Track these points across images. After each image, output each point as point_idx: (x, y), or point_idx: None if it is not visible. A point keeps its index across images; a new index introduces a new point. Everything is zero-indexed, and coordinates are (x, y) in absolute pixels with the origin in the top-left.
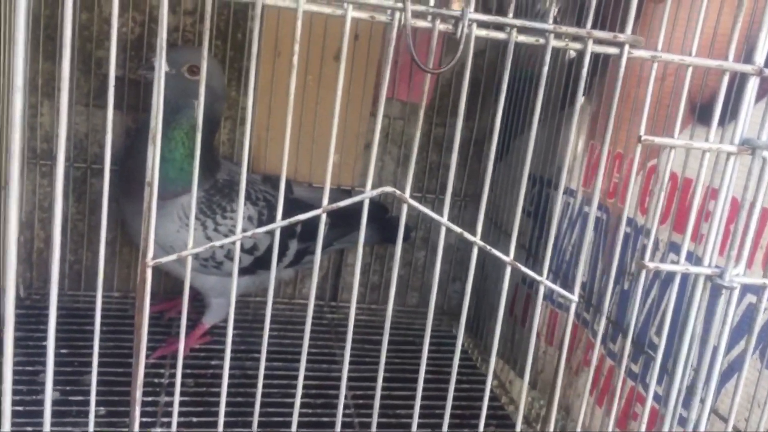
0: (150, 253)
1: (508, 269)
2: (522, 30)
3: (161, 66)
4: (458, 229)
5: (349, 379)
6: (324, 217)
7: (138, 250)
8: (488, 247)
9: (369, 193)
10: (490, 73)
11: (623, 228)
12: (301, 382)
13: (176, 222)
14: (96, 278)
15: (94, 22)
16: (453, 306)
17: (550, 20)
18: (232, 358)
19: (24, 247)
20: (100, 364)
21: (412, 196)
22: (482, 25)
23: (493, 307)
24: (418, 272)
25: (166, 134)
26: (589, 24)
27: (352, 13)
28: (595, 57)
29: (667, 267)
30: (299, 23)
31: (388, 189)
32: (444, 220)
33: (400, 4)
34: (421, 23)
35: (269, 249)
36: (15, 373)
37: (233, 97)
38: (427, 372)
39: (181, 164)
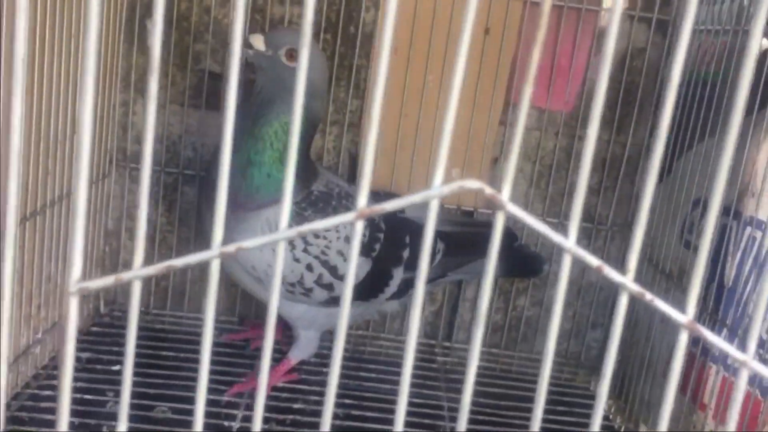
0: (75, 274)
1: (683, 334)
2: None
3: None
4: (594, 261)
5: None
6: (359, 225)
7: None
8: (648, 295)
9: (437, 189)
10: (650, 77)
11: None
12: None
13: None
14: (184, 297)
15: (194, 13)
16: (592, 357)
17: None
18: (318, 403)
19: (109, 259)
20: (169, 398)
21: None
22: None
23: (644, 363)
24: (550, 314)
25: (252, 132)
26: None
27: None
28: None
29: None
30: None
31: (472, 184)
32: (570, 243)
33: None
34: None
35: (371, 276)
36: (77, 401)
37: (341, 98)
38: None
39: (269, 169)
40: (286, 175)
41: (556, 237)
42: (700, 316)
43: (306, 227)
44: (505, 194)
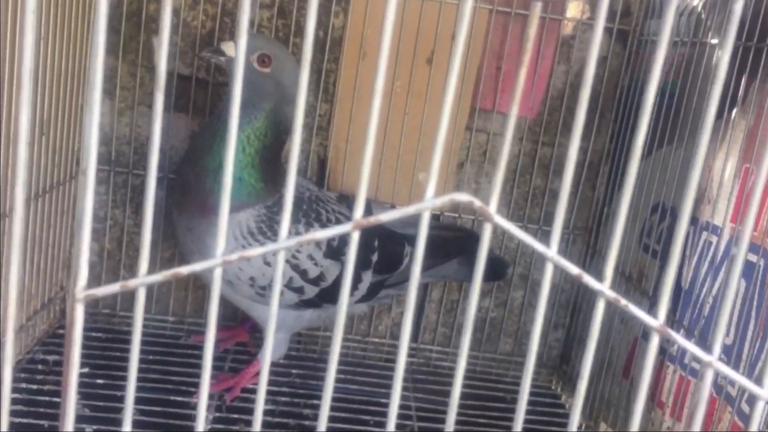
0: (81, 281)
1: (655, 337)
2: None
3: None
4: (574, 269)
5: None
6: (356, 236)
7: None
8: (623, 301)
9: (430, 201)
10: (611, 85)
11: None
12: None
13: (231, 242)
14: (151, 300)
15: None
16: (553, 357)
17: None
18: (288, 404)
19: (74, 260)
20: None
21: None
22: None
23: (603, 363)
24: (514, 314)
25: (224, 137)
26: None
27: None
28: (755, 56)
29: None
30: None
31: (462, 196)
32: (552, 252)
33: None
34: None
35: (339, 280)
36: (46, 404)
37: (310, 102)
38: None
39: (240, 174)
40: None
41: (539, 246)
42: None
43: (307, 237)
44: (493, 207)
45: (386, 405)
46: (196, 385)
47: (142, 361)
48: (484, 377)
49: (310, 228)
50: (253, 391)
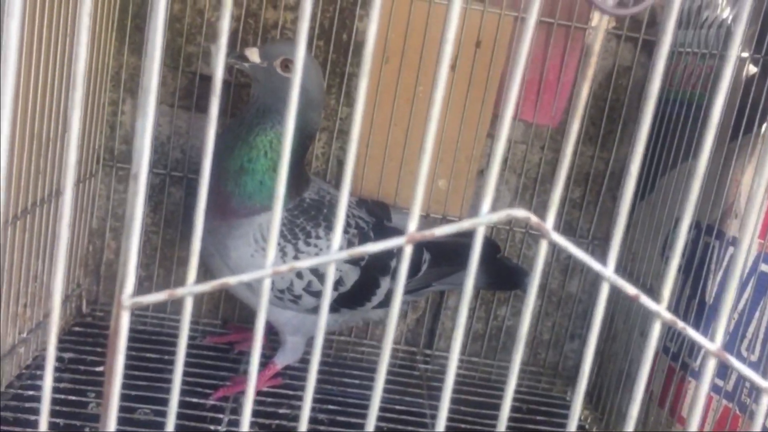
0: (128, 289)
1: (711, 361)
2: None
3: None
4: (632, 289)
5: None
6: (409, 249)
7: (209, 273)
8: (680, 323)
9: (486, 217)
10: (635, 95)
11: None
12: None
13: (251, 245)
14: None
15: (187, 14)
16: (569, 368)
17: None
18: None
19: (92, 258)
20: (153, 401)
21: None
22: None
23: (621, 376)
24: (531, 324)
25: (247, 140)
26: None
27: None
28: None
29: None
30: None
31: (519, 212)
32: (609, 272)
33: None
34: None
35: (357, 285)
36: (60, 402)
37: (332, 105)
38: None
39: (262, 177)
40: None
41: (596, 265)
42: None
43: (359, 249)
44: (549, 223)
45: (401, 412)
46: (211, 386)
47: (156, 361)
48: (500, 386)
49: (330, 232)
50: (269, 394)
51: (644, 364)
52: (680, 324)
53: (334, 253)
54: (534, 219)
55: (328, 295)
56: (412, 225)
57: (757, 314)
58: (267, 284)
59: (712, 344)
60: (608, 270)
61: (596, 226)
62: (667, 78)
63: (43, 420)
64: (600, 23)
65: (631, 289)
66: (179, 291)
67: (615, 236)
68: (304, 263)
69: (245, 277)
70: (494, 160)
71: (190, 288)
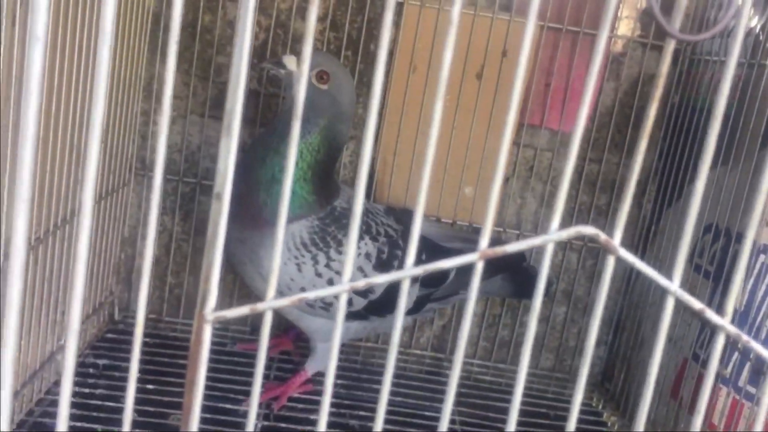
0: (210, 304)
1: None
2: None
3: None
4: (697, 304)
5: None
6: (480, 265)
7: (239, 279)
8: (745, 337)
9: (556, 234)
10: (660, 103)
11: None
12: None
13: (284, 253)
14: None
15: (217, 26)
16: (595, 374)
17: None
18: (334, 414)
19: (124, 266)
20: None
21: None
22: None
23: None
24: (556, 330)
25: (278, 150)
26: None
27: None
28: None
29: None
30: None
31: (588, 229)
32: (675, 287)
33: None
34: None
35: (386, 293)
36: (97, 408)
37: (360, 114)
38: None
39: (294, 186)
40: (354, 202)
41: (662, 281)
42: (713, 341)
43: (432, 266)
44: (617, 239)
45: (431, 418)
46: (244, 393)
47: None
48: (526, 392)
49: (360, 240)
50: (300, 401)
51: (707, 379)
52: (744, 337)
53: (408, 269)
54: (603, 236)
55: (402, 307)
56: (484, 242)
57: None
58: (344, 299)
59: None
60: (674, 285)
61: (622, 234)
62: (692, 87)
63: None
64: (666, 48)
65: (696, 304)
66: (260, 306)
67: (680, 254)
68: (380, 279)
69: (322, 293)
70: (564, 178)
71: (270, 303)
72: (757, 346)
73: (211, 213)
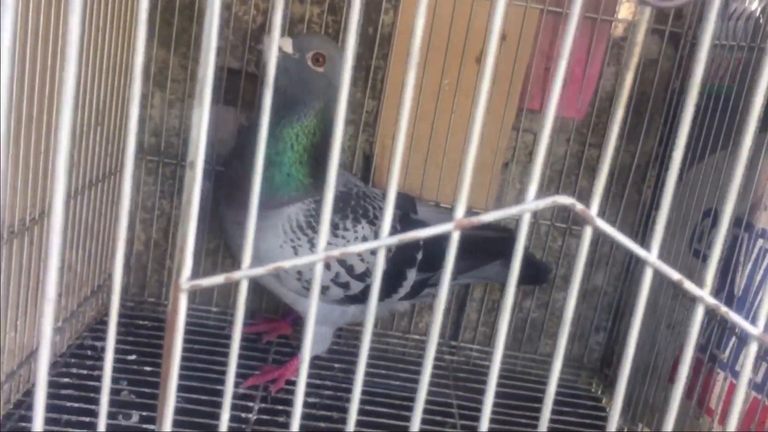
0: (185, 273)
1: (753, 345)
2: None
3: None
4: (675, 274)
5: None
6: (456, 235)
7: (237, 264)
8: (723, 308)
9: (533, 203)
10: (661, 88)
11: None
12: None
13: (280, 236)
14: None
15: None
16: (594, 360)
17: None
18: (331, 397)
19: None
20: (183, 388)
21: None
22: None
23: (649, 368)
24: (555, 316)
25: (273, 133)
26: None
27: None
28: None
29: None
30: None
31: (564, 199)
32: (653, 257)
33: None
34: None
35: (385, 277)
36: (94, 389)
37: (358, 98)
38: None
39: (289, 170)
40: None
41: (640, 251)
42: (709, 324)
43: (410, 234)
44: (594, 210)
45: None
46: (241, 375)
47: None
48: (524, 377)
49: (357, 224)
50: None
51: (687, 348)
52: (723, 308)
53: (384, 239)
54: (579, 206)
55: (377, 282)
56: (460, 212)
57: None
58: (319, 268)
59: (755, 329)
60: (652, 256)
61: (622, 218)
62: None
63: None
64: (642, 17)
65: (674, 274)
66: (236, 274)
67: (658, 224)
68: (354, 248)
69: (299, 261)
70: (540, 147)
71: (246, 272)
72: (735, 317)
73: (185, 182)
